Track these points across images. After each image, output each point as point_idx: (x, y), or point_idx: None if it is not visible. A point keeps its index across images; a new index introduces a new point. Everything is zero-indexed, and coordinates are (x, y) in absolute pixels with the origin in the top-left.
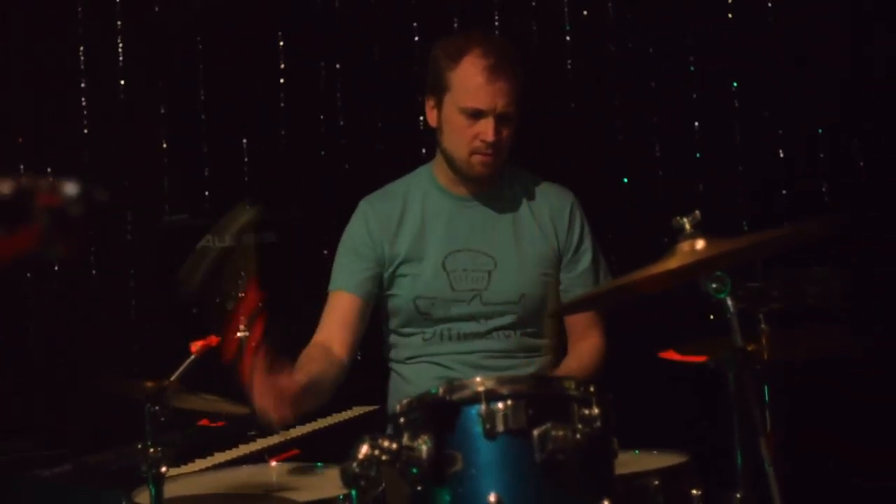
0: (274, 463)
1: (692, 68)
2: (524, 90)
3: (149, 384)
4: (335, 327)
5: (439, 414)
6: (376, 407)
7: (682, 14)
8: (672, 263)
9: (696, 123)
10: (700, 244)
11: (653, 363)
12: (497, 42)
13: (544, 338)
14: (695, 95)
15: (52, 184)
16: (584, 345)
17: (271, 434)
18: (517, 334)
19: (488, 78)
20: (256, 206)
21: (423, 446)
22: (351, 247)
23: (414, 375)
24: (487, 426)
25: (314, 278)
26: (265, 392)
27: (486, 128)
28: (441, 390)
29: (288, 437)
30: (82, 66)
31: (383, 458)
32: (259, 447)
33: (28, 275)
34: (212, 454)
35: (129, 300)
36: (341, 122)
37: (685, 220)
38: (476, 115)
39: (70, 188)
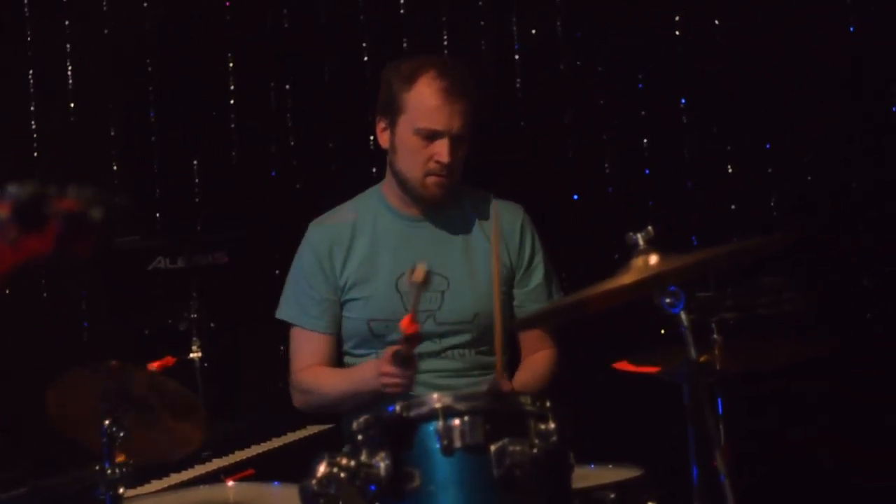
0: (231, 482)
1: (640, 85)
2: (477, 110)
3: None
4: (308, 366)
5: (397, 431)
6: (330, 426)
7: (629, 32)
8: (626, 279)
9: (646, 140)
10: (654, 259)
11: (607, 375)
12: (452, 63)
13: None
14: (643, 112)
15: (68, 188)
16: (537, 356)
17: (227, 454)
18: (472, 353)
19: (445, 99)
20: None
21: (382, 463)
22: (303, 278)
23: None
24: (445, 442)
25: (265, 298)
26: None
27: (442, 149)
28: (398, 407)
29: (243, 458)
30: (31, 89)
31: (342, 475)
32: (215, 467)
33: None
34: (167, 475)
35: (81, 322)
36: (292, 143)
37: (639, 235)
38: (431, 136)
39: (87, 192)
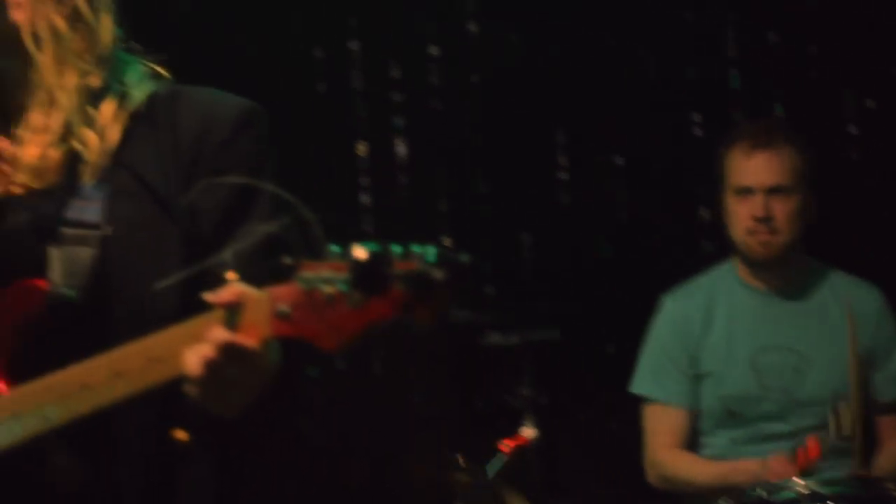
0: None
1: None
2: (808, 167)
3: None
4: (667, 447)
5: None
6: None
7: None
8: None
9: None
10: None
11: None
12: (766, 122)
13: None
14: None
15: (407, 250)
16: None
17: None
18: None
19: (750, 153)
20: None
21: None
22: (661, 351)
23: None
24: None
25: (599, 374)
26: None
27: (756, 204)
28: (764, 492)
29: None
30: (366, 162)
31: None
32: None
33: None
34: None
35: (412, 395)
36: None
37: None
38: (745, 192)
39: (429, 253)
